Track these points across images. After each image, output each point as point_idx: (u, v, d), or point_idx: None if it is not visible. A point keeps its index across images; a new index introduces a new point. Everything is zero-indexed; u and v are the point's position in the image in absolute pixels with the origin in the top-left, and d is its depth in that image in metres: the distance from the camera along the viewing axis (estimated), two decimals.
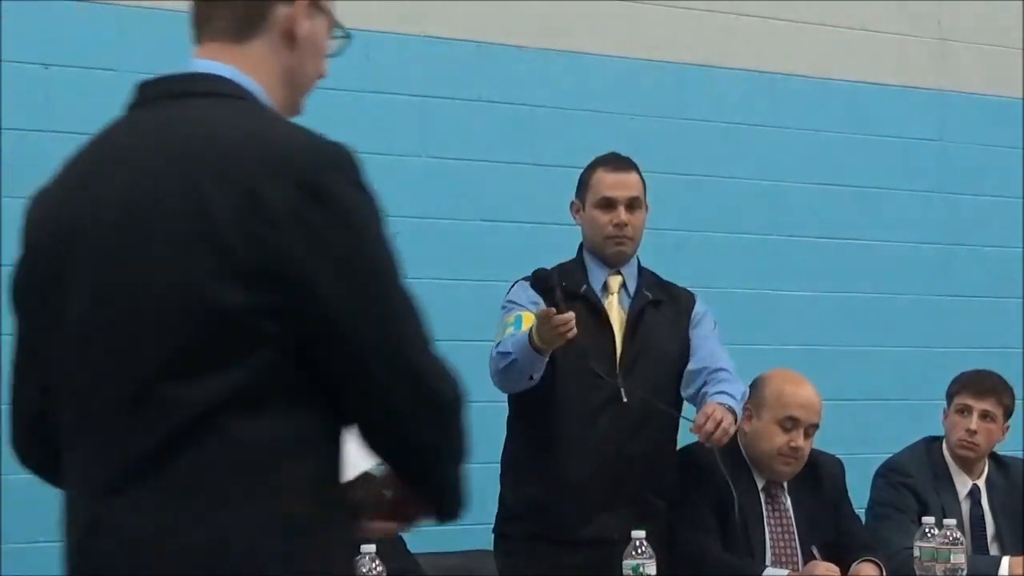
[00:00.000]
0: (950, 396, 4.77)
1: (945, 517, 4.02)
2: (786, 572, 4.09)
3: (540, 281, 3.83)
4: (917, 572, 3.81)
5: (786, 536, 4.26)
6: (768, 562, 4.19)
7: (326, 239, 1.93)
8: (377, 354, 1.99)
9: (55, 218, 2.09)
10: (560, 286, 3.78)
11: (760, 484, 4.29)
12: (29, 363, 2.16)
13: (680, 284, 4.31)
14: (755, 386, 4.29)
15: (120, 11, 4.76)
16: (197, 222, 1.92)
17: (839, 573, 4.01)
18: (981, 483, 4.70)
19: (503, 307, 4.08)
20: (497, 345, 3.98)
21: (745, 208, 5.64)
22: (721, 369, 4.04)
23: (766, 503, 4.28)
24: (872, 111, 5.90)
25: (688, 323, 4.16)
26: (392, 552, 3.63)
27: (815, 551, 4.21)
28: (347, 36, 2.31)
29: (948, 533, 3.77)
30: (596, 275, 4.10)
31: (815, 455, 4.34)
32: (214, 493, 1.91)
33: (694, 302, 4.22)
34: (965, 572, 3.78)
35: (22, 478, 4.41)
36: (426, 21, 5.18)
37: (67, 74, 4.70)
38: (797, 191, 5.70)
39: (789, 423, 4.21)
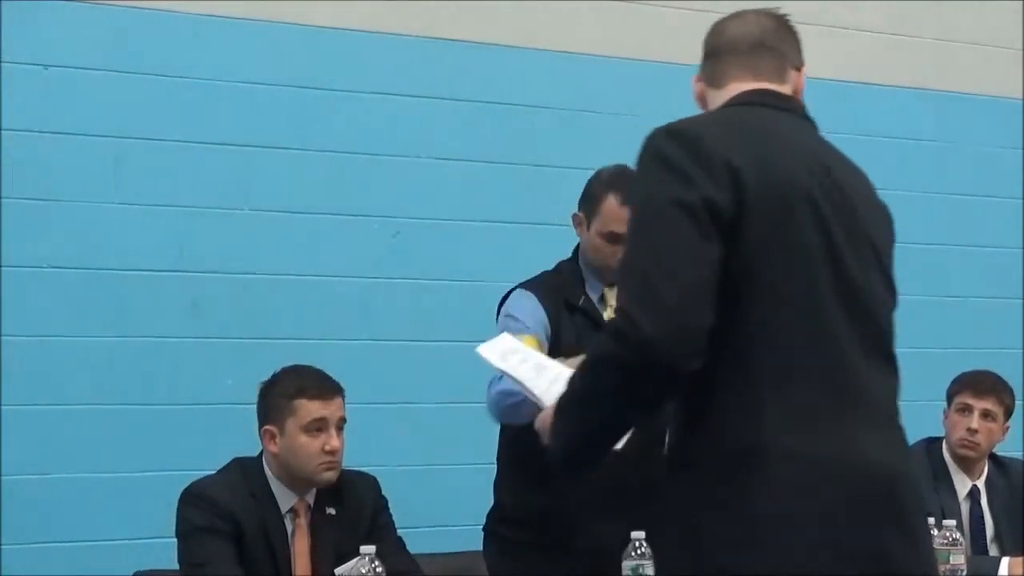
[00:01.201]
0: (950, 396, 4.77)
1: (944, 518, 4.01)
2: None
3: None
4: None
5: None
6: None
7: None
8: None
9: (766, 168, 2.44)
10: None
11: None
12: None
13: None
14: None
15: (119, 12, 4.77)
16: (881, 207, 2.64)
17: None
18: (980, 484, 4.71)
19: (501, 317, 4.00)
20: (490, 383, 3.87)
21: None
22: None
23: None
24: (871, 111, 5.91)
25: None
26: (392, 554, 3.64)
27: None
28: None
29: (947, 534, 3.77)
30: (594, 287, 4.05)
31: None
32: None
33: None
34: (965, 573, 3.78)
35: (22, 478, 4.47)
36: (427, 20, 5.18)
37: (67, 74, 4.71)
38: None
39: None
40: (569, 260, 4.10)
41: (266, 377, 3.84)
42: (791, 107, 2.63)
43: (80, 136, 4.70)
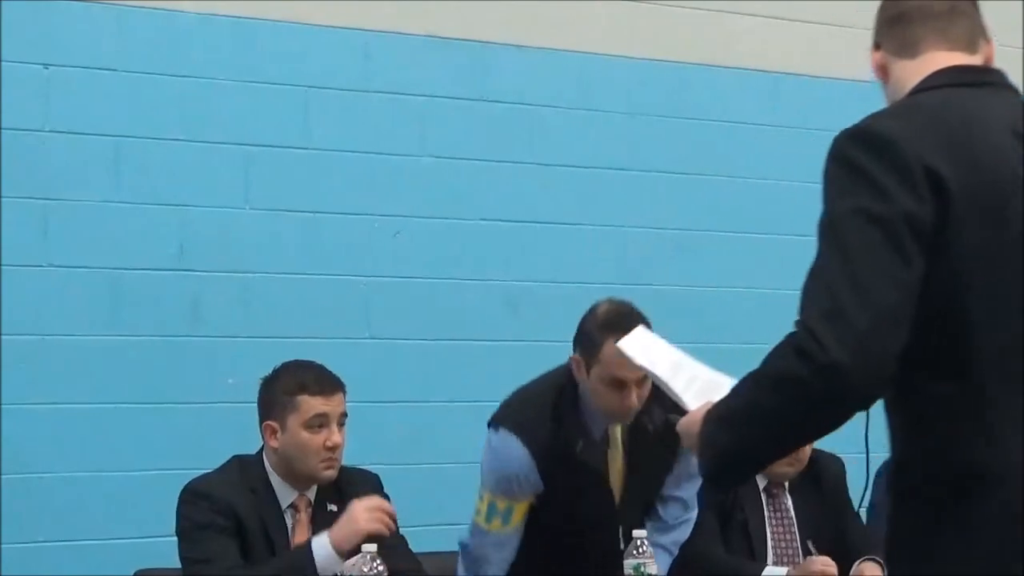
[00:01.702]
0: None
1: None
2: (785, 571, 4.12)
3: None
4: None
5: (788, 536, 4.34)
6: (770, 562, 4.25)
7: None
8: None
9: (973, 166, 2.23)
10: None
11: (761, 485, 4.37)
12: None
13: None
14: None
15: (120, 11, 4.78)
16: None
17: (836, 568, 4.04)
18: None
19: (486, 471, 3.88)
20: (474, 531, 3.88)
21: (746, 208, 5.64)
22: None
23: (767, 504, 4.36)
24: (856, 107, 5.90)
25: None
26: (394, 552, 3.64)
27: (811, 547, 4.22)
28: None
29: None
30: (598, 426, 3.87)
31: (816, 455, 4.38)
32: None
33: None
34: None
35: (22, 478, 4.47)
36: (427, 20, 5.18)
37: (67, 74, 4.72)
38: (798, 190, 5.71)
39: None
40: (569, 402, 3.86)
41: (267, 373, 3.85)
42: (992, 80, 2.41)
43: (80, 135, 4.72)
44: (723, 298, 5.40)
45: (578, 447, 3.82)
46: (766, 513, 4.30)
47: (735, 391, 2.36)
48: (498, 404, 4.02)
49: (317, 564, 3.53)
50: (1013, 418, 2.22)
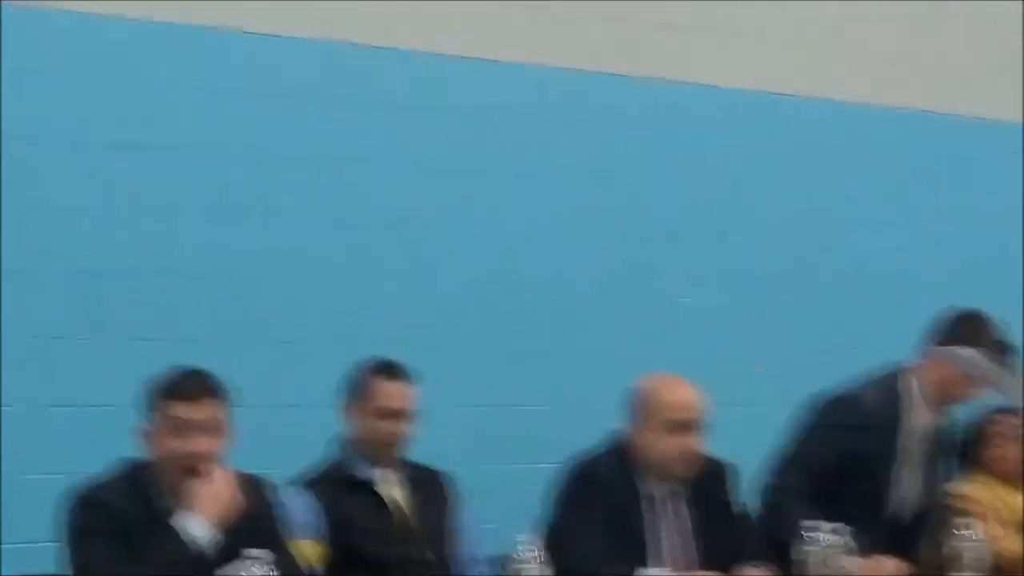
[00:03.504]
0: None
1: None
2: (665, 572, 4.09)
3: None
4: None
5: (683, 540, 4.28)
6: (668, 566, 4.19)
7: None
8: None
9: None
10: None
11: (655, 490, 4.29)
12: None
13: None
14: (636, 395, 4.30)
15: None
16: None
17: None
18: None
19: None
20: None
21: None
22: None
23: (661, 508, 4.29)
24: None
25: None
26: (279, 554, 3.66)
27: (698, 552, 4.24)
28: None
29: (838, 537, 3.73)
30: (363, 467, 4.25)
31: (707, 459, 4.32)
32: None
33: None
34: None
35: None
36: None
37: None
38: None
39: (678, 426, 4.19)
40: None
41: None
42: None
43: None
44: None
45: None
46: (660, 518, 4.28)
47: None
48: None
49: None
50: None
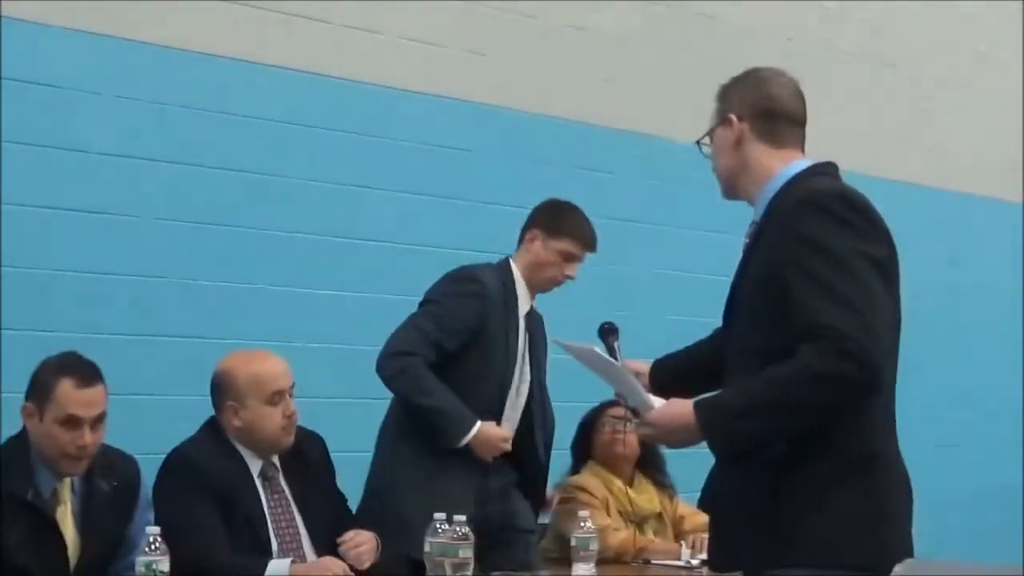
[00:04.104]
0: None
1: None
2: (288, 560, 4.15)
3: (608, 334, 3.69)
4: (428, 567, 3.86)
5: (287, 518, 4.36)
6: (275, 549, 4.26)
7: None
8: None
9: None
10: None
11: (256, 470, 4.36)
12: None
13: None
14: (223, 381, 4.39)
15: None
16: None
17: (343, 568, 4.12)
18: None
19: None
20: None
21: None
22: None
23: (264, 489, 4.35)
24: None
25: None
26: None
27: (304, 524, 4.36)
28: None
29: (458, 529, 3.82)
30: (46, 480, 4.02)
31: (299, 433, 4.44)
32: None
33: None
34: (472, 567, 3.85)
35: None
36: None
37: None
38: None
39: (276, 395, 4.33)
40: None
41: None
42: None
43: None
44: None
45: (29, 494, 3.95)
46: (264, 500, 4.31)
47: (750, 388, 3.02)
48: None
49: None
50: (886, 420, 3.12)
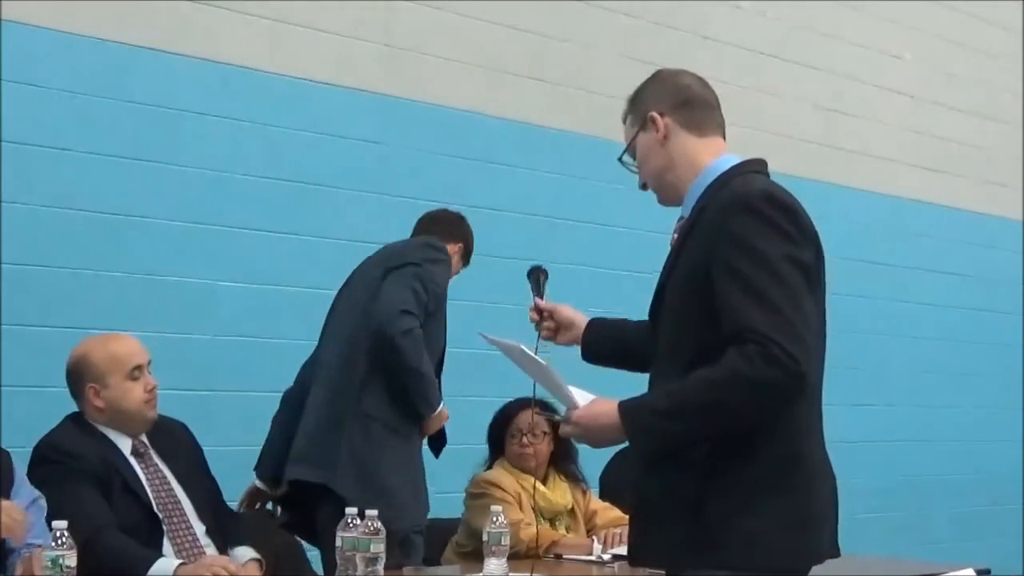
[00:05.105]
0: None
1: None
2: (176, 562, 4.13)
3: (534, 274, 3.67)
4: (339, 562, 3.85)
5: (166, 489, 4.39)
6: (165, 531, 4.28)
7: None
8: None
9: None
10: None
11: (127, 449, 4.39)
12: None
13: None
14: (80, 365, 4.42)
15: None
16: None
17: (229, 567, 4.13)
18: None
19: None
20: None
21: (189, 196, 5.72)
22: None
23: (139, 465, 4.37)
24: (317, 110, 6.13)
25: None
26: None
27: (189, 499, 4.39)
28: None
29: (369, 523, 3.81)
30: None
31: (162, 420, 4.50)
32: None
33: None
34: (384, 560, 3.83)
35: None
36: None
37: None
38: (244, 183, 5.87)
39: (137, 372, 4.40)
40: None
41: None
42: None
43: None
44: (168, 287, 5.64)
45: None
46: (143, 480, 4.33)
47: (676, 390, 3.02)
48: None
49: None
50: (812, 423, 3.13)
